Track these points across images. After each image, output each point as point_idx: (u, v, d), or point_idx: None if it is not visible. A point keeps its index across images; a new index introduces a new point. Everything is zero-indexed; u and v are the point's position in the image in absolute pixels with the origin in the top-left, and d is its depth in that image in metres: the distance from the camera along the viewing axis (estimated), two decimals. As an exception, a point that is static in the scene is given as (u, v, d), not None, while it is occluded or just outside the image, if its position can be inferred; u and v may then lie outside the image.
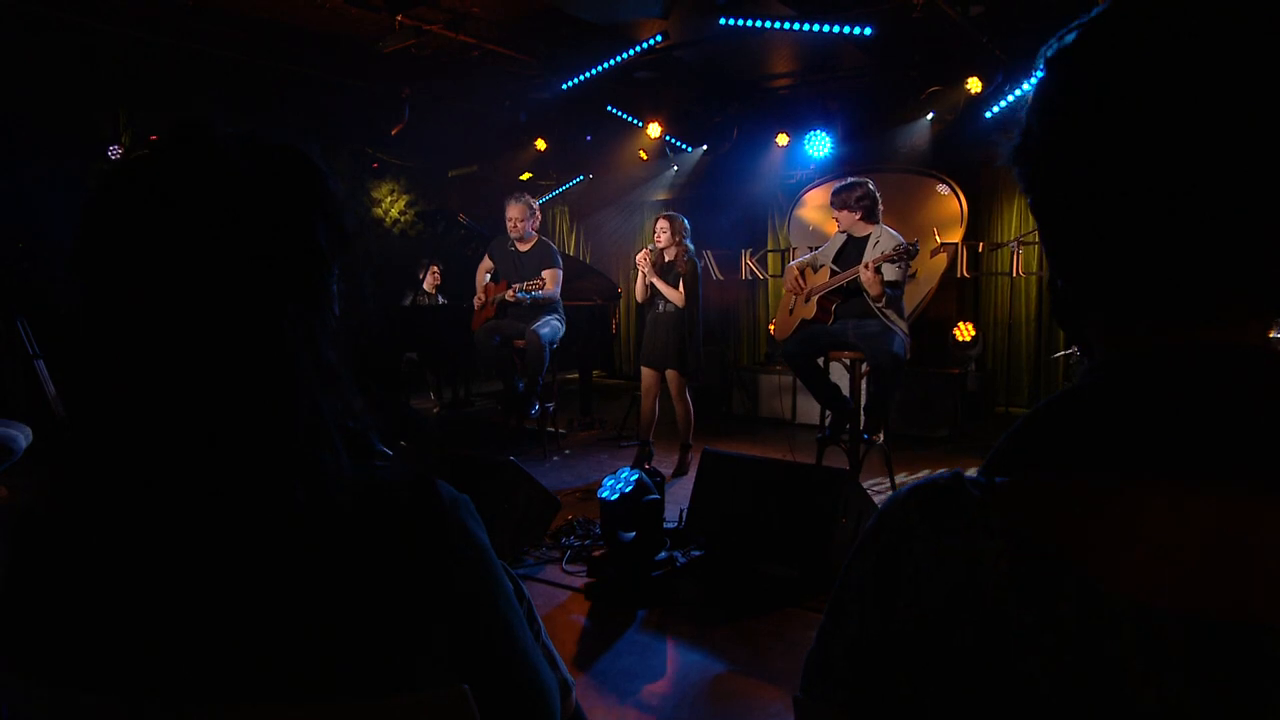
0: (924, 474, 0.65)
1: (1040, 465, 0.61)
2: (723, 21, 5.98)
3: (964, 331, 7.65)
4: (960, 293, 8.12)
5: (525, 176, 10.35)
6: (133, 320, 0.76)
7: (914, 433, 6.84)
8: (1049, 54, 0.67)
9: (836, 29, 5.74)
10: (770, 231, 9.31)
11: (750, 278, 8.98)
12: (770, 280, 9.13)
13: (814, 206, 8.79)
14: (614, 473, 3.64)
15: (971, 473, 0.66)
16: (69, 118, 7.10)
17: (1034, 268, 7.49)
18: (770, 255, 8.98)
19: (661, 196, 10.21)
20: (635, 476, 3.56)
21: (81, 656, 0.76)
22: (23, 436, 4.43)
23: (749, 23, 5.92)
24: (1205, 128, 0.57)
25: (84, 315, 0.78)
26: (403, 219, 11.02)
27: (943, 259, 7.88)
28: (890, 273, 4.67)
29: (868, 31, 5.67)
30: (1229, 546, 0.53)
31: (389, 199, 10.83)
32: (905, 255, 4.55)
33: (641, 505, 3.50)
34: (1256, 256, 0.58)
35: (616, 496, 3.50)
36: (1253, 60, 0.56)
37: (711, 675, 2.79)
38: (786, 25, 5.86)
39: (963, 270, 7.69)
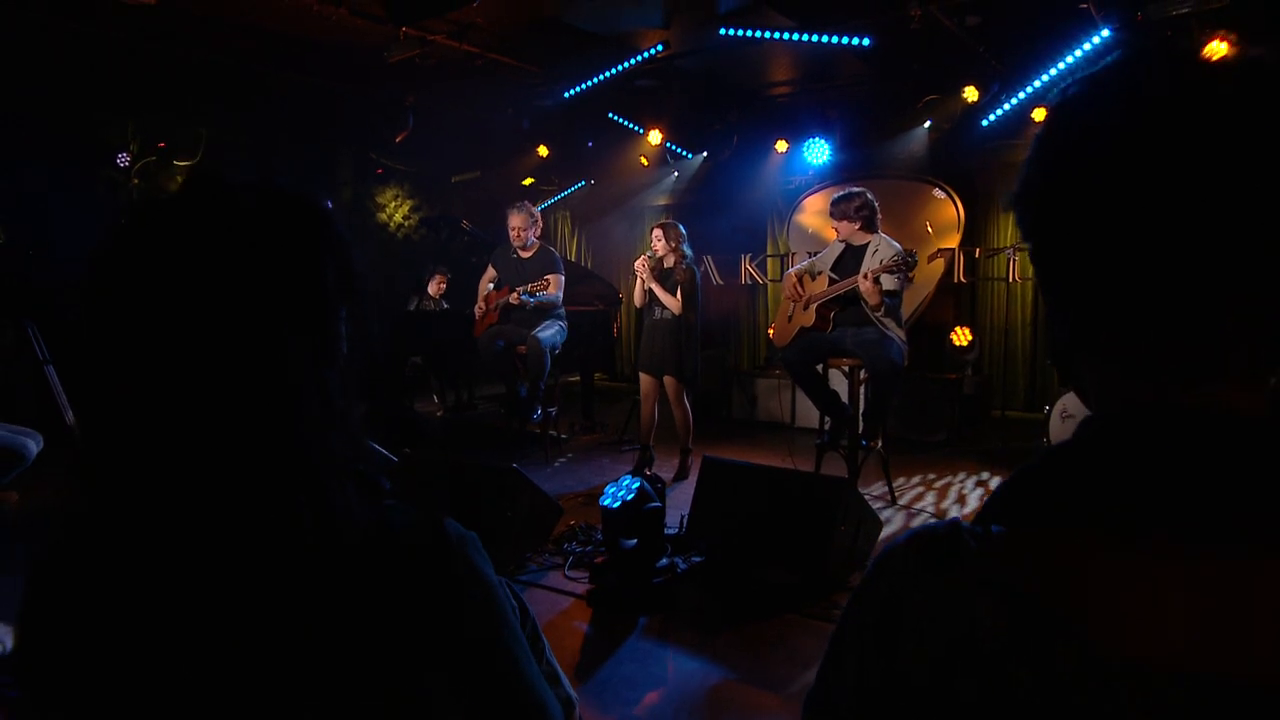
0: (922, 521, 0.64)
1: (1038, 518, 0.61)
2: (723, 31, 5.99)
3: (961, 336, 7.65)
4: (957, 298, 8.12)
5: (528, 182, 10.36)
6: (143, 360, 0.77)
7: (912, 437, 6.84)
8: (1052, 104, 0.68)
9: (836, 39, 5.74)
10: (770, 236, 9.31)
11: (750, 282, 8.99)
12: (770, 285, 9.13)
13: (813, 212, 8.79)
14: (616, 480, 3.65)
15: (967, 507, 0.66)
16: (78, 125, 7.11)
17: (1030, 273, 7.48)
18: (770, 260, 8.99)
19: (662, 202, 10.21)
20: (637, 484, 3.56)
21: (97, 691, 0.77)
22: (34, 443, 4.44)
23: (749, 33, 5.92)
24: (1201, 190, 0.57)
25: (95, 352, 0.79)
26: (406, 224, 11.03)
27: (940, 264, 7.89)
28: (889, 282, 4.67)
29: (866, 42, 5.67)
30: (1227, 608, 0.53)
31: (393, 204, 10.85)
32: (904, 266, 4.56)
33: (643, 513, 3.50)
34: (1250, 315, 0.58)
35: (619, 504, 3.50)
36: (1252, 135, 0.56)
37: (712, 683, 2.79)
38: (786, 36, 5.86)
39: (959, 275, 7.70)
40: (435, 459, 4.44)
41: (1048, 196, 0.66)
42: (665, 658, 2.97)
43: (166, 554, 0.75)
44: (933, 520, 0.70)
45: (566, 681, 1.06)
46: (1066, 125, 0.65)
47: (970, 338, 7.64)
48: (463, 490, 4.05)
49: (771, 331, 8.58)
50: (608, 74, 6.88)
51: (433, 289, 8.12)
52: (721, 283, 8.98)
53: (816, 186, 8.71)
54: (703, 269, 8.65)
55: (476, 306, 6.37)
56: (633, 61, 6.64)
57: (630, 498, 3.50)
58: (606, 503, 3.56)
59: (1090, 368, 0.68)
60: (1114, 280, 0.61)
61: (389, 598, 0.77)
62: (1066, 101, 0.65)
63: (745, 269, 8.89)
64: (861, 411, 5.01)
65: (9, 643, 2.14)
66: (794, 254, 8.74)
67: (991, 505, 0.66)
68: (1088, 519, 0.58)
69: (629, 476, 3.65)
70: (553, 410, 6.34)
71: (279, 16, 5.88)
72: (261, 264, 0.77)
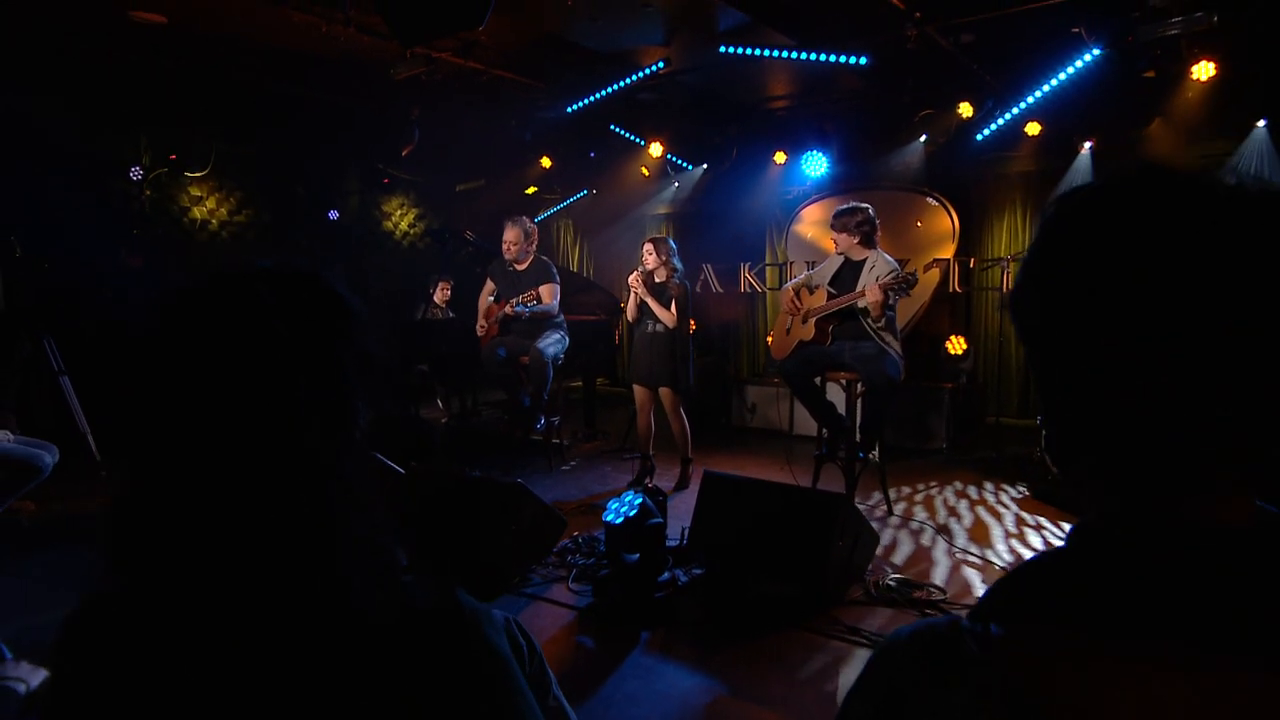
0: (922, 620, 0.64)
1: (1038, 623, 0.62)
2: (723, 50, 6.00)
3: (956, 345, 7.67)
4: (952, 307, 8.14)
5: (530, 191, 10.36)
6: (169, 450, 0.79)
7: (908, 445, 6.86)
8: (1048, 214, 0.69)
9: (834, 58, 5.75)
10: (769, 245, 9.33)
11: (749, 290, 9.00)
12: (769, 293, 9.15)
13: (811, 222, 8.80)
14: (617, 488, 3.67)
15: (966, 606, 0.67)
16: (91, 140, 7.12)
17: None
18: (769, 269, 9.00)
19: (663, 210, 10.23)
20: (639, 500, 3.58)
21: None
22: (50, 456, 4.46)
23: (748, 51, 5.94)
24: (1190, 308, 0.58)
25: (127, 442, 0.81)
26: (412, 232, 11.06)
27: (935, 274, 7.89)
28: (890, 297, 4.70)
29: (863, 61, 5.68)
30: (1226, 718, 0.55)
31: (398, 212, 10.87)
32: (906, 285, 4.58)
33: (645, 528, 3.52)
34: (1237, 433, 0.59)
35: (621, 520, 3.52)
36: (1243, 255, 0.58)
37: (712, 700, 2.80)
38: (785, 54, 5.87)
39: (955, 285, 7.70)
40: (441, 472, 4.44)
41: (1044, 301, 0.67)
42: (667, 674, 2.98)
43: (190, 640, 0.77)
44: (933, 617, 0.72)
45: (573, 716, 1.08)
46: (1058, 245, 0.66)
47: (965, 346, 7.65)
48: (468, 504, 4.06)
49: (770, 339, 8.61)
50: (609, 90, 6.89)
51: (438, 297, 8.14)
52: (721, 291, 8.99)
53: (815, 197, 8.72)
54: (702, 277, 8.69)
55: (479, 325, 6.38)
56: (634, 78, 6.65)
57: (633, 514, 3.52)
58: (610, 518, 3.58)
59: (1083, 465, 0.69)
60: (1105, 389, 0.62)
61: (409, 678, 0.79)
62: (1058, 220, 0.66)
63: (744, 277, 8.89)
64: (859, 424, 5.03)
65: (33, 682, 2.15)
66: (792, 263, 8.76)
67: (991, 601, 0.67)
68: (1087, 627, 0.60)
69: (631, 492, 3.66)
70: (556, 419, 6.36)
71: (287, 34, 5.89)
72: (280, 359, 0.79)
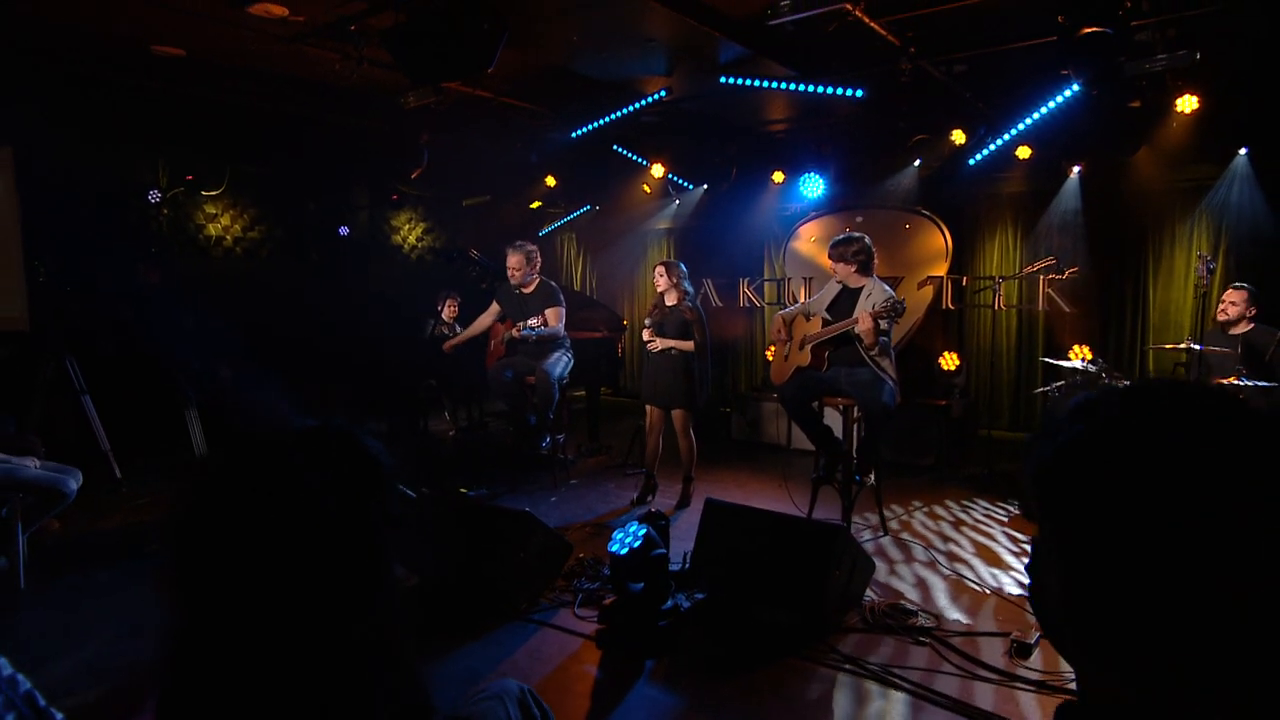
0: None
1: None
2: (723, 80, 6.03)
3: (949, 361, 7.70)
4: (945, 323, 8.16)
5: (535, 205, 10.40)
6: (204, 615, 0.83)
7: (903, 460, 6.90)
8: (1078, 430, 0.69)
9: (831, 90, 5.79)
10: (767, 261, 9.36)
11: (748, 305, 9.03)
12: (767, 308, 9.18)
13: (808, 239, 8.84)
14: (621, 514, 3.71)
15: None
16: (111, 165, 7.17)
17: (1014, 301, 7.55)
18: (767, 285, 9.03)
19: (665, 225, 10.27)
20: (644, 531, 3.61)
21: None
22: (74, 481, 4.51)
23: (748, 82, 5.97)
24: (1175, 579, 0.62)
25: (179, 622, 0.84)
26: (420, 245, 11.11)
27: (929, 291, 7.93)
28: (882, 323, 4.74)
29: (859, 94, 5.71)
30: None
31: (406, 226, 10.92)
32: (894, 313, 4.63)
33: (649, 559, 3.55)
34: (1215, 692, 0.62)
35: (626, 551, 3.55)
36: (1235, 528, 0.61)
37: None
38: (784, 85, 5.90)
39: (948, 302, 7.74)
40: (452, 499, 4.48)
41: (1058, 502, 0.70)
42: (671, 707, 3.03)
43: None
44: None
45: None
46: (1069, 467, 0.69)
47: (958, 362, 7.69)
48: (479, 530, 4.11)
49: (770, 353, 8.65)
50: (613, 116, 6.92)
51: (446, 314, 8.17)
52: (720, 305, 9.02)
53: (812, 215, 8.75)
54: (702, 291, 8.72)
55: (491, 341, 6.48)
56: (637, 105, 6.69)
57: (637, 545, 3.55)
58: (615, 549, 3.61)
59: (1076, 646, 0.72)
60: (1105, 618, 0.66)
61: None
62: (1074, 447, 0.69)
63: (743, 292, 8.94)
64: (855, 448, 5.07)
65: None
66: (789, 279, 8.80)
67: None
68: None
69: (635, 522, 3.70)
70: (561, 437, 6.41)
71: (301, 65, 5.94)
72: (318, 531, 0.83)
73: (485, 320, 6.46)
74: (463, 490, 5.84)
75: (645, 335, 5.63)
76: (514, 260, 5.98)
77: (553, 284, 6.18)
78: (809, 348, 5.13)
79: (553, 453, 6.35)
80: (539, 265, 6.15)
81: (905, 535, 5.05)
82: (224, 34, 5.27)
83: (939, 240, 7.98)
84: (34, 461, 4.48)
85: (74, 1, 4.85)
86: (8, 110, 5.66)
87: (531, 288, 6.10)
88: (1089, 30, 4.10)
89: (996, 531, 5.16)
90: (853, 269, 5.00)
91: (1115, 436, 0.66)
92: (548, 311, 5.94)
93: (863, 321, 4.68)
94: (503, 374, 6.07)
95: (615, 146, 8.54)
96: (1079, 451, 0.68)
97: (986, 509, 5.68)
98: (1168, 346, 5.38)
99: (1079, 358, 6.64)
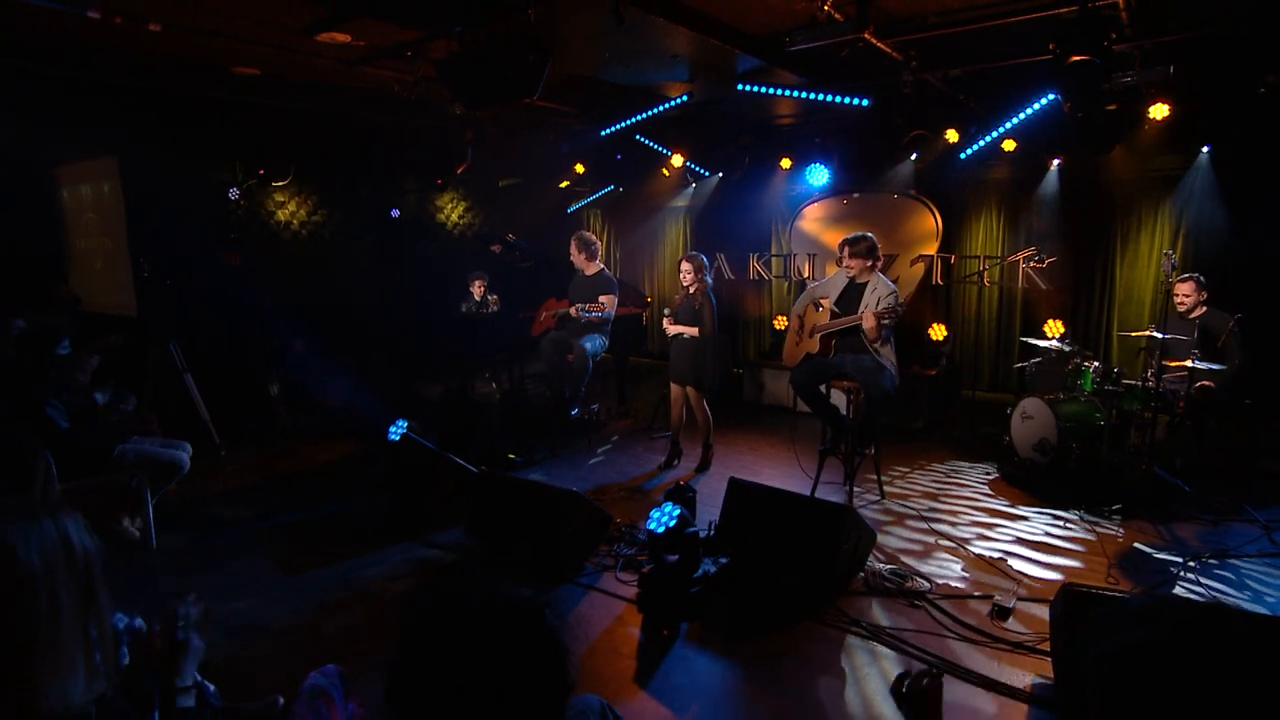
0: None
1: None
2: (740, 87, 6.01)
3: (937, 331, 7.78)
4: (934, 297, 8.22)
5: (563, 185, 10.41)
6: None
7: (896, 424, 7.04)
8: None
9: (838, 99, 5.76)
10: (774, 238, 9.36)
11: (757, 278, 9.11)
12: (774, 281, 9.25)
13: (812, 219, 8.85)
14: (650, 478, 3.84)
15: None
16: (196, 170, 7.25)
17: (997, 278, 7.59)
18: (774, 259, 9.09)
19: (682, 204, 10.27)
20: (678, 512, 3.80)
21: None
22: (186, 453, 4.72)
23: (763, 89, 5.95)
24: None
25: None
26: (461, 222, 11.15)
27: (920, 268, 7.99)
28: (884, 322, 4.83)
29: (865, 103, 5.69)
30: None
31: (449, 206, 10.94)
32: (895, 315, 4.73)
33: (683, 536, 3.75)
34: None
35: (663, 530, 3.75)
36: None
37: (742, 689, 3.08)
38: (795, 93, 5.88)
39: (938, 278, 7.80)
40: (507, 481, 4.68)
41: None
42: (704, 665, 3.24)
43: None
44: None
45: None
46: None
47: (945, 333, 7.77)
48: (531, 506, 4.32)
49: (778, 323, 8.74)
50: (639, 117, 6.91)
51: (476, 292, 8.22)
52: (733, 277, 9.11)
53: (816, 197, 8.75)
54: (715, 264, 8.77)
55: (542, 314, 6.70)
56: (661, 108, 6.67)
57: (673, 524, 3.75)
58: (653, 526, 3.80)
59: None
60: None
61: None
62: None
63: (753, 266, 9.01)
64: (858, 425, 5.21)
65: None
66: (795, 254, 8.85)
67: None
68: None
69: (670, 504, 3.88)
70: (595, 406, 6.61)
71: (359, 79, 5.96)
72: (496, 678, 0.98)
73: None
74: (511, 456, 6.03)
75: (665, 324, 5.77)
76: (572, 248, 6.24)
77: (610, 274, 6.39)
78: (818, 336, 5.24)
79: (585, 416, 6.59)
80: (599, 249, 6.32)
81: (899, 503, 5.18)
82: (294, 58, 5.30)
83: (930, 222, 7.99)
84: (156, 440, 4.71)
85: (180, 38, 4.89)
86: (114, 126, 5.74)
87: (593, 272, 6.29)
88: (1077, 58, 4.08)
89: (979, 495, 5.33)
90: (866, 264, 5.07)
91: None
92: (603, 298, 6.12)
93: (867, 320, 4.78)
94: (551, 349, 6.33)
95: (638, 137, 8.51)
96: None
97: (970, 469, 5.87)
98: (1132, 334, 5.44)
99: (1054, 334, 6.73)
